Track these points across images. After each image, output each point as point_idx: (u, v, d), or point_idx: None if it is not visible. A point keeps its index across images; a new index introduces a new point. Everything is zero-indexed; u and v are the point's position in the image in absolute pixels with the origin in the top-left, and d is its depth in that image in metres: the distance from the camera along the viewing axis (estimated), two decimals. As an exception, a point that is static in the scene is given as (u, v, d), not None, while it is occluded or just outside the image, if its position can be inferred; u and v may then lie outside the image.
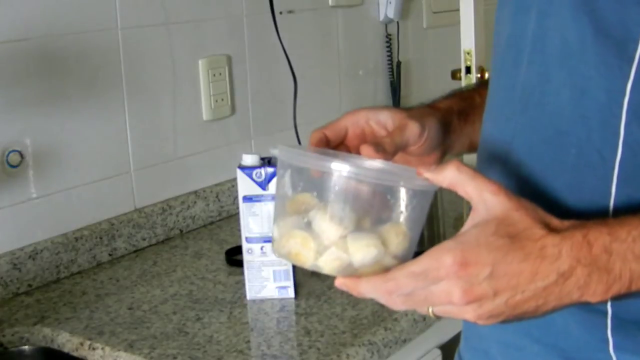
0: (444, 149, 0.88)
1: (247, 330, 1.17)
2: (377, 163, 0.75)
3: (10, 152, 1.33)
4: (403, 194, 0.68)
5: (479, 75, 1.88)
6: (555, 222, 0.65)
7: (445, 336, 1.32)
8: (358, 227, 0.67)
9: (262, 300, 1.25)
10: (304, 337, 1.12)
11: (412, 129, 0.81)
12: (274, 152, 0.73)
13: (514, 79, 0.77)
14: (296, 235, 0.68)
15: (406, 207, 0.69)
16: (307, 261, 0.67)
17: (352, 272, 0.67)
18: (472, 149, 0.92)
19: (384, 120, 0.83)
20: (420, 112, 0.85)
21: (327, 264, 0.67)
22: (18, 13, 1.32)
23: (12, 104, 1.33)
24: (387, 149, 0.77)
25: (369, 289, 0.66)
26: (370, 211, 0.68)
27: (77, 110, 1.43)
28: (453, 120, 0.89)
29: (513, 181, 0.76)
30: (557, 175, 0.73)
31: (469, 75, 1.90)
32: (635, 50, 0.67)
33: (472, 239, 0.63)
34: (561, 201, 0.72)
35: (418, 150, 0.83)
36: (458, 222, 1.54)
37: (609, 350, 0.72)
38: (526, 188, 0.75)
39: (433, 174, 0.67)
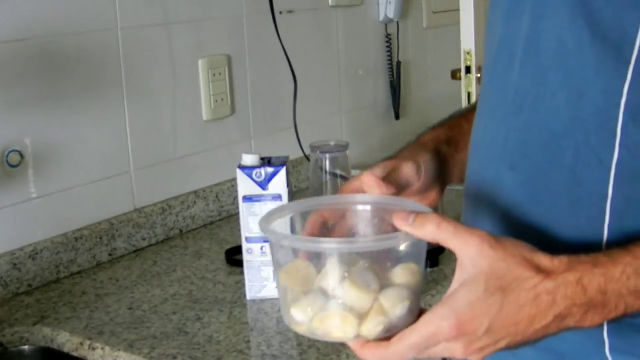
0: (442, 182, 0.88)
1: (247, 330, 1.17)
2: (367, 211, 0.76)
3: (10, 152, 1.33)
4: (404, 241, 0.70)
5: (478, 76, 1.88)
6: (544, 261, 0.64)
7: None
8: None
9: (262, 300, 1.25)
10: (303, 337, 1.12)
11: (407, 168, 0.81)
12: (265, 233, 0.72)
13: (506, 82, 0.77)
14: (333, 314, 0.67)
15: (410, 246, 0.70)
16: (350, 335, 0.67)
17: (394, 330, 0.67)
18: None
19: (377, 175, 0.80)
20: (409, 152, 0.85)
21: (371, 332, 0.67)
22: (18, 13, 1.32)
23: (12, 104, 1.33)
24: (390, 182, 0.78)
25: (373, 358, 0.67)
26: (382, 265, 0.69)
27: (77, 110, 1.43)
28: (442, 149, 0.88)
29: (507, 185, 0.76)
30: (553, 177, 0.72)
31: (469, 75, 1.90)
32: (631, 52, 0.67)
33: (464, 302, 0.64)
34: (557, 203, 0.72)
35: (418, 188, 0.83)
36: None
37: (605, 353, 0.72)
38: (520, 191, 0.75)
39: (413, 228, 0.66)
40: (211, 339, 1.13)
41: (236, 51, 1.71)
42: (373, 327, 0.66)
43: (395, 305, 0.67)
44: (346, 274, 0.67)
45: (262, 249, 1.24)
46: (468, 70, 1.90)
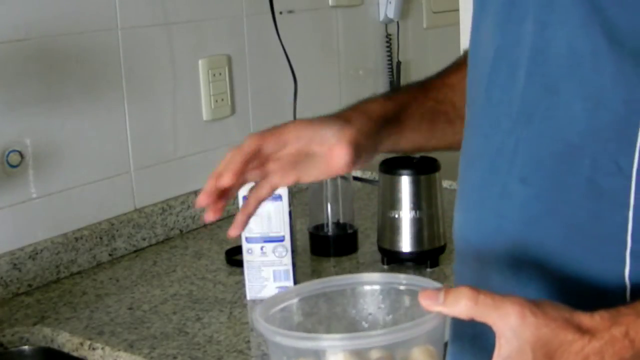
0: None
1: (247, 330, 1.17)
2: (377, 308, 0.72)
3: (10, 152, 1.33)
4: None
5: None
6: (585, 321, 0.61)
7: (446, 336, 1.32)
8: None
9: (262, 300, 1.25)
10: (304, 337, 1.12)
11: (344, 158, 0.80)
12: (259, 329, 0.66)
13: (509, 92, 0.74)
14: None
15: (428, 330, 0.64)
16: None
17: None
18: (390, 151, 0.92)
19: (327, 139, 0.80)
20: (371, 131, 0.82)
21: None
22: (18, 13, 1.32)
23: (12, 104, 1.33)
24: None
25: None
26: (398, 351, 0.64)
27: (77, 110, 1.43)
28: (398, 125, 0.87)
29: (518, 198, 0.73)
30: (571, 188, 0.70)
31: (468, 75, 1.89)
32: None
33: None
34: (576, 214, 0.70)
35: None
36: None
37: None
38: (535, 204, 0.73)
39: (446, 307, 0.62)
40: (211, 339, 1.13)
41: (236, 51, 1.71)
42: None
43: None
44: None
45: (262, 249, 1.24)
46: (468, 70, 1.90)
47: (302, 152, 0.80)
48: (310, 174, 0.82)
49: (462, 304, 0.61)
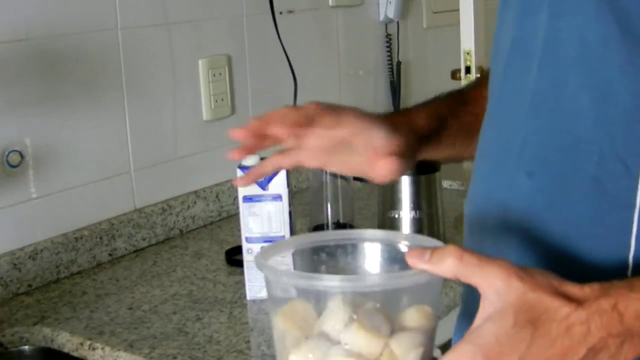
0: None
1: (247, 330, 1.17)
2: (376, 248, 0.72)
3: (10, 152, 1.33)
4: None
5: (478, 75, 1.88)
6: (574, 290, 0.60)
7: (446, 336, 1.32)
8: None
9: (262, 300, 1.25)
10: (304, 337, 1.12)
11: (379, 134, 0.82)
12: (261, 269, 0.67)
13: (522, 85, 0.74)
14: None
15: (424, 286, 0.64)
16: None
17: None
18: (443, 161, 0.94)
19: (374, 139, 0.82)
20: (413, 146, 0.85)
21: None
22: (18, 13, 1.32)
23: (12, 104, 1.33)
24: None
25: None
26: (392, 307, 0.64)
27: (77, 110, 1.43)
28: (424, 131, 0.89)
29: (523, 191, 0.73)
30: (576, 185, 0.69)
31: (468, 75, 1.90)
32: None
33: (490, 337, 0.59)
34: (579, 211, 0.69)
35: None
36: (458, 222, 1.54)
37: None
38: (539, 198, 0.72)
39: (431, 265, 0.61)
40: (211, 339, 1.13)
41: (236, 51, 1.71)
42: None
43: (408, 351, 0.61)
44: (354, 316, 0.61)
45: (262, 249, 1.24)
46: (468, 70, 1.90)
47: (345, 140, 0.82)
48: (335, 165, 0.84)
49: (447, 262, 0.60)
